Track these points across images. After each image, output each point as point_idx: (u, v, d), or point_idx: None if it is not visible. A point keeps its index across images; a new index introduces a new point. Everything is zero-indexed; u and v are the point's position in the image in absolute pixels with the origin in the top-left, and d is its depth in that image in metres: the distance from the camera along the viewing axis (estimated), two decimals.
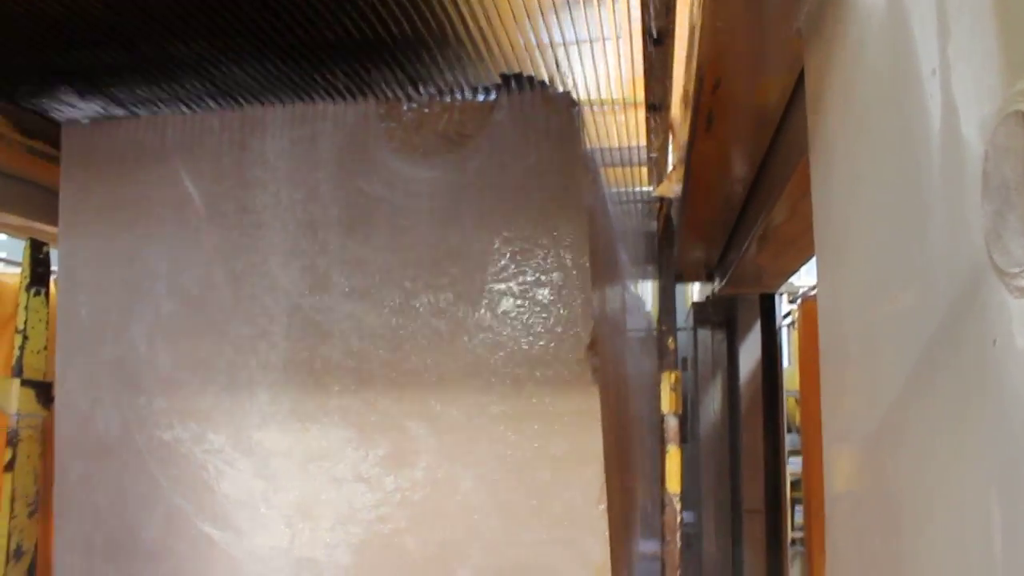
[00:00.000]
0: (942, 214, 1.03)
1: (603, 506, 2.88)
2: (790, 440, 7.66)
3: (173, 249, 3.35)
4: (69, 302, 3.50)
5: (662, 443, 2.98)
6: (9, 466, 3.57)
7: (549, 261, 2.96)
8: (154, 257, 3.37)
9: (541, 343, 2.95)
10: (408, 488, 3.05)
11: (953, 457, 1.01)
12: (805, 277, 8.33)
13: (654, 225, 4.60)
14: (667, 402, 2.95)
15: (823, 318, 1.77)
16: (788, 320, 7.67)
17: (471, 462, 2.99)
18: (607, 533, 2.89)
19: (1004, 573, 0.87)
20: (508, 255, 2.99)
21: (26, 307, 3.70)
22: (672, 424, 2.94)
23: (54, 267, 3.81)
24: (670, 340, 3.02)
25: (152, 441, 3.35)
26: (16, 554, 3.57)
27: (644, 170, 4.77)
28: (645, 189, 5.03)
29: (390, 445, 3.07)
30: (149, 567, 3.37)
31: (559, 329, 2.94)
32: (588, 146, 3.34)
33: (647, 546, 5.49)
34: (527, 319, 2.97)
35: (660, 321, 3.23)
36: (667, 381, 2.95)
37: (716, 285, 7.09)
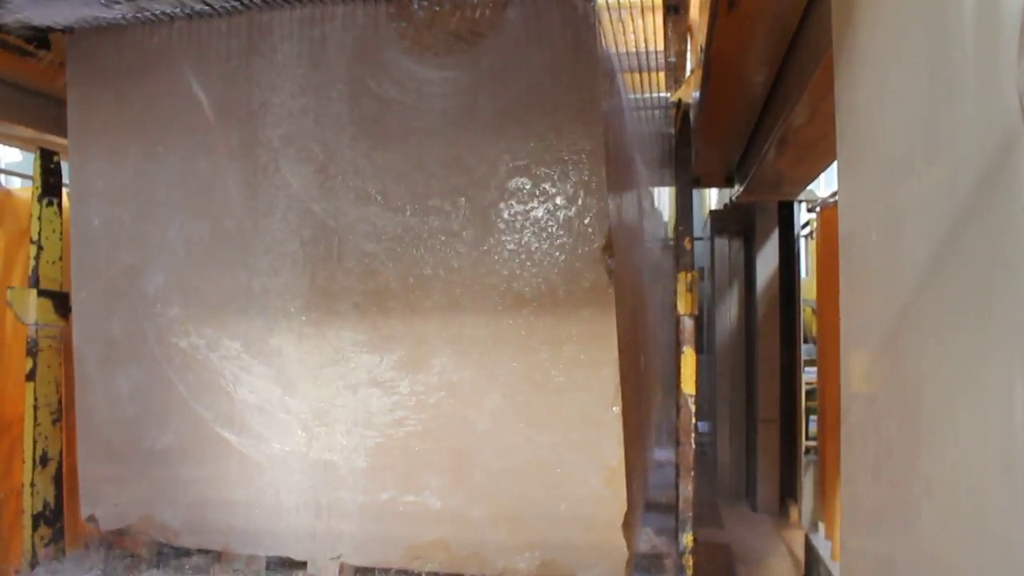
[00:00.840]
0: (973, 81, 0.98)
1: (617, 409, 2.88)
2: (806, 350, 7.64)
3: (184, 156, 3.31)
4: (82, 211, 3.49)
5: (677, 345, 2.96)
6: (30, 376, 3.61)
7: (564, 161, 2.91)
8: (165, 165, 3.34)
9: (556, 244, 2.91)
10: (423, 392, 3.06)
11: (976, 334, 0.98)
12: (825, 187, 8.22)
13: (672, 132, 4.51)
14: (683, 303, 2.91)
15: (844, 210, 1.72)
16: (806, 230, 7.58)
17: (485, 365, 2.99)
18: (621, 436, 2.89)
19: None
20: (522, 155, 2.93)
21: (39, 217, 3.68)
22: (688, 325, 2.91)
23: (66, 180, 3.78)
24: (687, 240, 2.96)
25: (169, 348, 3.36)
26: (42, 460, 3.64)
27: (662, 75, 4.67)
28: (663, 95, 4.92)
29: (404, 349, 3.07)
30: (170, 472, 3.43)
31: (574, 230, 2.90)
32: (604, 46, 3.25)
33: (662, 454, 5.54)
34: (542, 220, 2.93)
35: (677, 221, 3.18)
36: (683, 282, 2.91)
37: (734, 192, 7.01)
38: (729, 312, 8.36)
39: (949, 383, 1.07)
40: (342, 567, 3.22)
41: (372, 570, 3.32)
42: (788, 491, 7.78)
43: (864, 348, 1.59)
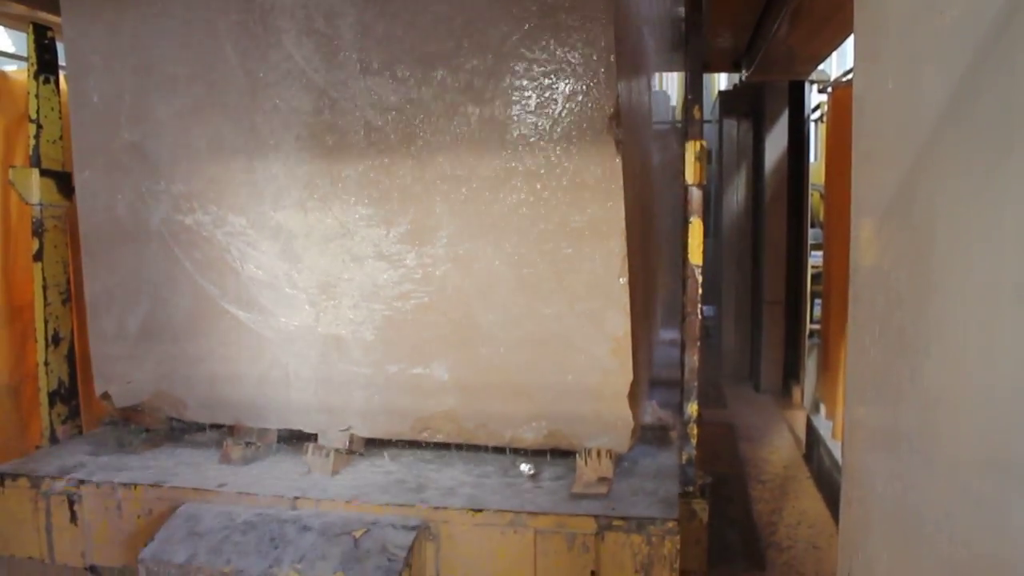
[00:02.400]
0: None
1: (624, 280, 2.87)
2: (812, 234, 7.63)
3: (183, 31, 3.22)
4: (80, 88, 3.42)
5: (685, 215, 2.93)
6: (38, 256, 3.62)
7: (573, 29, 2.82)
8: (164, 40, 3.25)
9: (564, 114, 2.85)
10: (430, 264, 3.06)
11: (996, 166, 0.96)
12: (836, 67, 8.05)
13: (681, 11, 4.39)
14: (691, 173, 2.86)
15: (859, 65, 1.68)
16: (817, 114, 7.46)
17: (492, 236, 2.97)
18: (628, 306, 2.90)
19: None
20: (530, 22, 2.84)
21: (36, 95, 3.62)
22: (695, 195, 2.88)
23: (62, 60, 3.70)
24: (696, 109, 2.90)
25: (174, 226, 3.35)
26: (54, 339, 3.68)
27: None
28: None
29: (411, 221, 3.05)
30: (180, 348, 3.46)
31: (583, 99, 2.84)
32: None
33: (668, 333, 5.58)
34: (550, 89, 2.86)
35: (686, 91, 3.10)
36: (691, 151, 2.85)
37: (744, 73, 6.87)
38: (736, 194, 8.31)
39: (964, 220, 1.05)
40: (352, 439, 3.29)
41: (382, 441, 3.39)
42: (791, 373, 7.88)
43: (876, 207, 1.57)
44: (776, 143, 7.52)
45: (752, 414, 7.47)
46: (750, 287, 8.41)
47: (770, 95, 7.47)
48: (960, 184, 1.07)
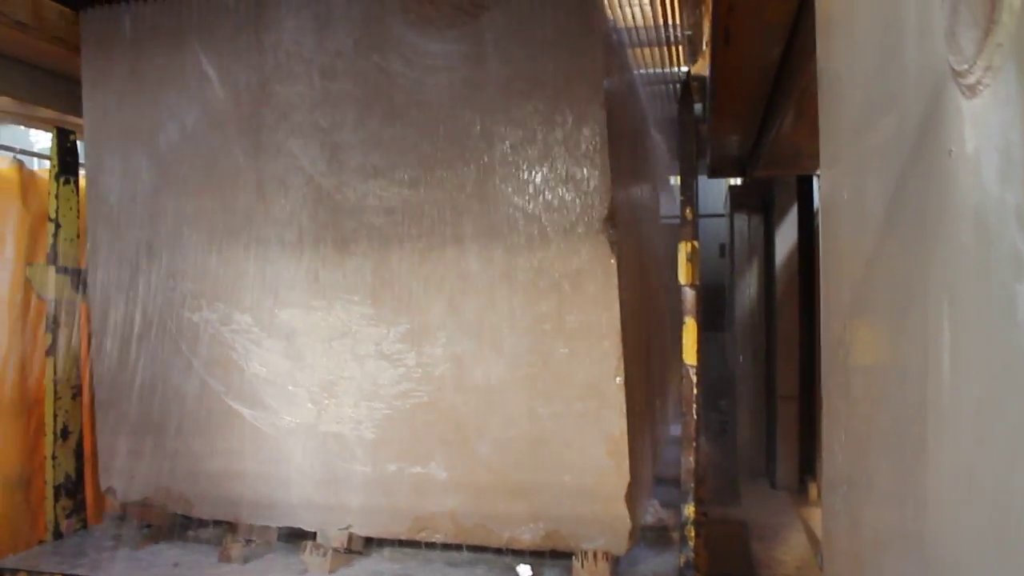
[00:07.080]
0: (914, 29, 0.99)
1: (620, 379, 2.88)
2: None
3: (195, 132, 3.36)
4: (97, 189, 3.54)
5: (680, 316, 2.96)
6: (50, 351, 3.69)
7: (567, 132, 2.90)
8: (176, 141, 3.38)
9: (559, 215, 2.92)
10: (429, 364, 3.09)
11: (918, 278, 1.00)
12: None
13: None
14: (683, 273, 2.90)
15: (823, 171, 1.72)
16: None
17: (489, 336, 3.01)
18: (624, 407, 2.90)
19: (950, 382, 0.87)
20: (527, 127, 2.94)
21: (56, 195, 3.75)
22: (689, 296, 2.91)
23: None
24: (688, 210, 2.95)
25: (182, 322, 3.42)
26: (63, 434, 3.72)
27: (680, 48, 4.64)
28: (683, 69, 4.89)
29: (411, 322, 3.10)
30: (184, 444, 3.49)
31: (577, 201, 2.90)
32: (610, 16, 3.24)
33: (678, 429, 5.53)
34: (545, 192, 2.93)
35: (682, 189, 3.16)
36: (683, 252, 2.90)
37: (752, 170, 6.95)
38: (748, 288, 8.30)
39: (901, 324, 1.09)
40: (351, 538, 3.27)
41: (381, 540, 3.37)
42: (807, 468, 7.75)
43: (840, 308, 1.60)
44: (786, 237, 7.55)
45: (767, 512, 7.31)
46: (764, 381, 8.33)
47: (779, 189, 7.53)
48: (894, 295, 1.11)
